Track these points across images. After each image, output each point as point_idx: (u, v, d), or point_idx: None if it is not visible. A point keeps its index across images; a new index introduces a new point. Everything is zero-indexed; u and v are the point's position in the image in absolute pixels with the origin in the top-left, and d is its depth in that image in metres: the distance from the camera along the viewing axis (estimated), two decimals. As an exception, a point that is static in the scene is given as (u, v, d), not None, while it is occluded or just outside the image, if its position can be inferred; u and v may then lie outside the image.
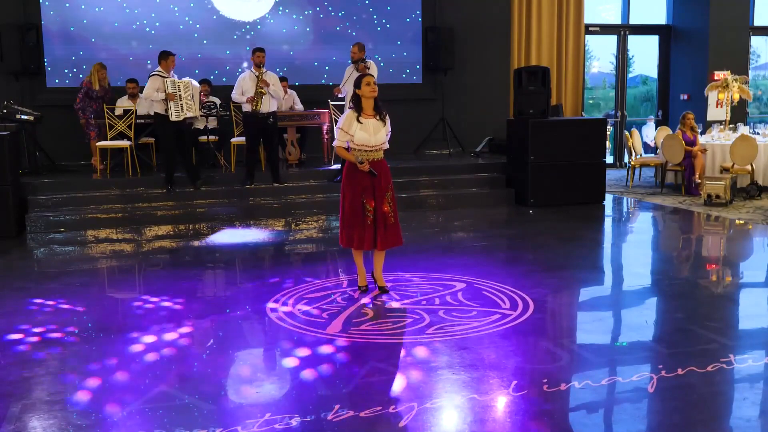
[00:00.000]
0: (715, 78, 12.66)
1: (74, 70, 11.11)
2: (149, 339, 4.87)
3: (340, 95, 9.64)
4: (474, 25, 12.52)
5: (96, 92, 10.10)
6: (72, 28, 11.03)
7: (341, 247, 7.95)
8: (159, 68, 9.16)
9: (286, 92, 10.64)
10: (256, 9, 11.72)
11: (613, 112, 14.55)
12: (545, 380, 4.03)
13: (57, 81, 11.08)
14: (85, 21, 11.08)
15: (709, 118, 13.08)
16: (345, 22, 12.11)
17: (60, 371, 4.32)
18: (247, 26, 11.72)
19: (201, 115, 9.93)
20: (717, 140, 11.34)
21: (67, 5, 10.98)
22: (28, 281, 6.57)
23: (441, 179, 10.34)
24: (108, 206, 9.12)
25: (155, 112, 9.14)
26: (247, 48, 9.88)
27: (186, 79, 9.22)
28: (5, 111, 9.74)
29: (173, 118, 9.01)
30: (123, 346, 4.76)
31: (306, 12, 11.94)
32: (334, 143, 5.69)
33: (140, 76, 10.54)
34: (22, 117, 9.78)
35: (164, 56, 9.16)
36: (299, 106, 10.99)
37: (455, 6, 12.46)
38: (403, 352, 4.60)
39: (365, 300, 5.67)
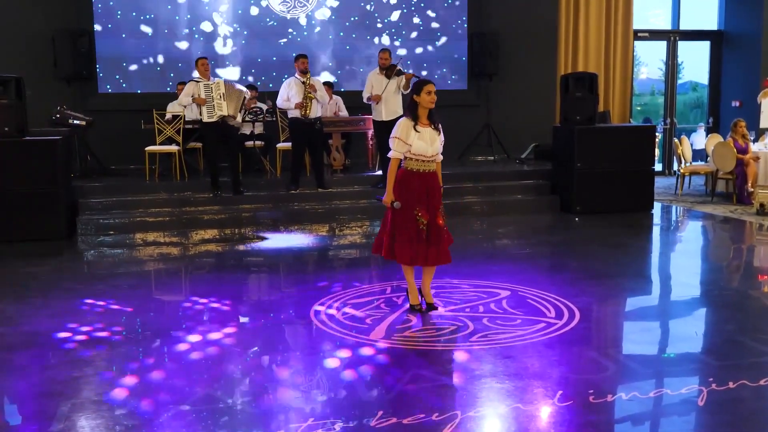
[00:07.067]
0: (769, 84, 12.38)
1: (125, 75, 11.34)
2: (194, 342, 4.93)
3: (376, 103, 9.57)
4: (520, 31, 12.43)
5: None
6: (123, 35, 11.26)
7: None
8: (196, 74, 9.39)
9: (331, 97, 10.71)
10: (305, 15, 11.82)
11: (662, 119, 14.31)
12: (591, 391, 3.97)
13: (108, 87, 11.32)
14: (136, 28, 11.30)
15: (762, 125, 12.73)
16: (391, 28, 12.14)
17: (108, 372, 4.40)
18: (295, 32, 11.83)
19: (247, 120, 10.00)
20: (770, 148, 11.08)
21: (119, 12, 11.22)
22: (78, 282, 6.71)
23: (485, 186, 10.27)
24: (156, 210, 9.27)
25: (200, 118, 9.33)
26: (293, 54, 10.01)
27: (217, 79, 9.37)
28: (58, 116, 9.99)
29: (205, 119, 9.19)
30: (169, 348, 4.83)
31: (352, 18, 12.00)
32: (391, 154, 5.26)
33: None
34: (75, 122, 10.01)
35: (196, 62, 9.42)
36: (344, 113, 11.03)
37: (501, 12, 12.39)
38: (446, 360, 4.58)
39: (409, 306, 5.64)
